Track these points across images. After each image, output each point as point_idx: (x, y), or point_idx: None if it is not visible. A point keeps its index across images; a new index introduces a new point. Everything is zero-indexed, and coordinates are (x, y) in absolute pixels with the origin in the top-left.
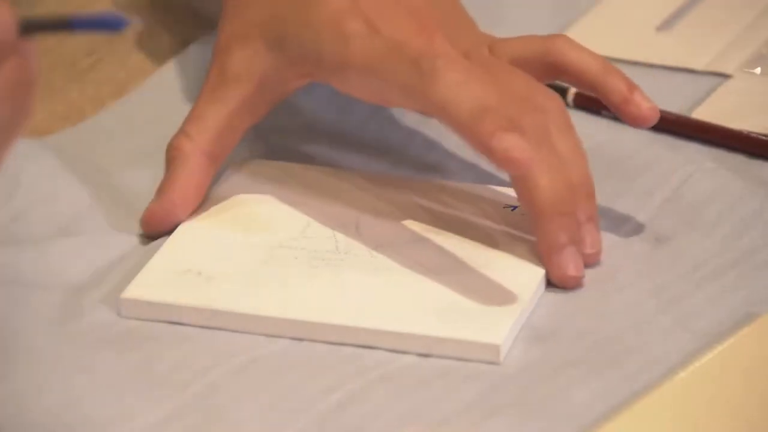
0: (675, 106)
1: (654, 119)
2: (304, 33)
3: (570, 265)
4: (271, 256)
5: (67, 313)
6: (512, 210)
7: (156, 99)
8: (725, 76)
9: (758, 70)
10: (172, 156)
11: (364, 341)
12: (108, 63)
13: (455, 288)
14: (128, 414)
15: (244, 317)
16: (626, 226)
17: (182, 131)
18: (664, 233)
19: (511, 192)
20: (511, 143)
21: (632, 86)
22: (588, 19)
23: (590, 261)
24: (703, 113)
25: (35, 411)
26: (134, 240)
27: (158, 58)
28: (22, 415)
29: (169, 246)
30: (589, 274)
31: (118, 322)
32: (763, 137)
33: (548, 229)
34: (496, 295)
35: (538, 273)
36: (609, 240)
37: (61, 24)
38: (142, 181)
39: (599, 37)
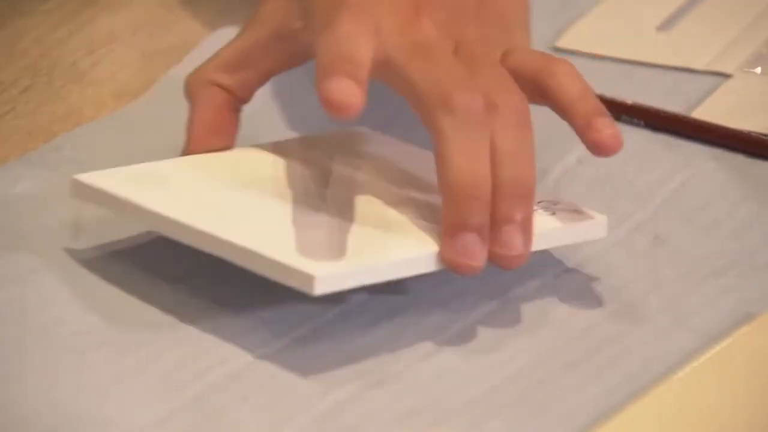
0: (675, 106)
1: (616, 149)
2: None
3: (461, 250)
4: (242, 184)
5: (64, 314)
6: None
7: (160, 103)
8: (725, 76)
9: (758, 70)
10: (189, 90)
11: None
12: (108, 63)
13: (350, 230)
14: (128, 414)
15: (173, 224)
16: (626, 225)
17: (200, 66)
18: (664, 233)
19: None
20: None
21: (600, 113)
22: (588, 19)
23: (504, 263)
24: (703, 113)
25: (34, 411)
26: (130, 242)
27: (158, 58)
28: (21, 415)
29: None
30: (589, 274)
31: (117, 323)
32: (763, 137)
33: (451, 209)
34: (364, 243)
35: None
36: (609, 239)
37: None
38: None
39: (599, 37)
